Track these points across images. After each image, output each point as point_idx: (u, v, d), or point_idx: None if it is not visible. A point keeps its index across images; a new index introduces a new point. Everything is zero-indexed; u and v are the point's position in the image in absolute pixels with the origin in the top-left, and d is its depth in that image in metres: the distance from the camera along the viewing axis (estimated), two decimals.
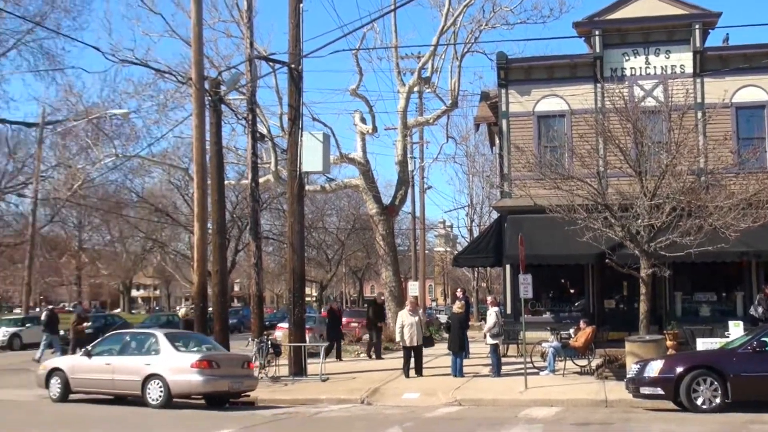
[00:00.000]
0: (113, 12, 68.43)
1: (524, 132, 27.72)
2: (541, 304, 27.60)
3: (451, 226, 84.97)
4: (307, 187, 28.68)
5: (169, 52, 60.65)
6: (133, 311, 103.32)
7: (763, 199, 21.14)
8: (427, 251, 60.67)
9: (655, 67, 27.28)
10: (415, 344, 21.76)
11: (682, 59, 27.11)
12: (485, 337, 22.72)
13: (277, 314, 64.80)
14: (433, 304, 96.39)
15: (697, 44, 26.82)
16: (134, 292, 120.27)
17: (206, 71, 24.42)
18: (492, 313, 22.14)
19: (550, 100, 27.77)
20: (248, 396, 19.18)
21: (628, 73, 27.36)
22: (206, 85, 23.25)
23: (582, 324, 22.61)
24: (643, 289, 20.94)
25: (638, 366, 16.92)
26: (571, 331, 23.60)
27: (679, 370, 15.94)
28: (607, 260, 21.99)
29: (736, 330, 20.89)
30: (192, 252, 61.09)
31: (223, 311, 23.32)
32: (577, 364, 21.83)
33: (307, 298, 66.98)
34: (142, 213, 59.44)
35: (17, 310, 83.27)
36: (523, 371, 19.85)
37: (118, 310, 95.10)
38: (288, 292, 23.81)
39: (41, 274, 57.85)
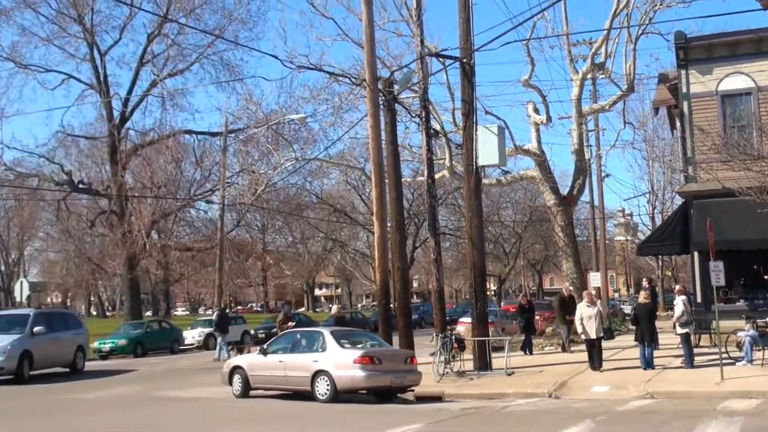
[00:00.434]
0: (287, 20, 70.73)
1: (707, 113, 26.57)
2: (734, 291, 26.32)
3: (631, 215, 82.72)
4: (483, 181, 28.55)
5: (341, 56, 62.17)
6: (316, 309, 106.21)
7: None
8: (607, 241, 59.17)
9: None
10: (594, 336, 21.25)
11: None
12: (674, 327, 21.95)
13: (457, 309, 64.90)
14: (616, 294, 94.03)
15: None
16: (317, 291, 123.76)
17: (379, 72, 24.75)
18: (679, 302, 21.36)
19: (735, 78, 26.47)
20: (413, 390, 19.39)
21: None
22: (380, 86, 23.57)
23: None
24: None
25: None
26: None
27: None
28: None
29: None
30: (371, 250, 62.46)
31: (406, 307, 23.59)
32: None
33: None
34: (322, 214, 61.10)
35: (209, 311, 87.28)
36: (717, 362, 19.03)
37: (303, 309, 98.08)
38: (469, 286, 23.82)
39: (230, 276, 60.31)
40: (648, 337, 21.47)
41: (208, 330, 41.50)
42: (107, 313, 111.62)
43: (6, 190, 55.98)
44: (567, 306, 26.71)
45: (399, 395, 19.36)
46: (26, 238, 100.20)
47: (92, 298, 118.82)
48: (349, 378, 18.01)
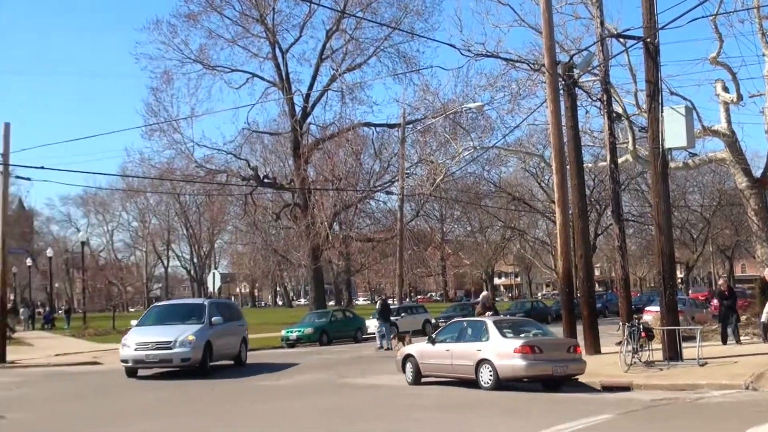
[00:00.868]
0: (463, 8, 70.70)
1: None
2: None
3: None
4: (669, 164, 27.52)
5: (518, 42, 61.54)
6: (496, 299, 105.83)
7: None
8: None
9: None
10: None
11: None
12: None
13: (642, 297, 63.11)
14: None
15: None
16: (496, 280, 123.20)
17: (557, 56, 24.29)
18: None
19: None
20: (576, 379, 19.12)
21: None
22: (559, 70, 23.14)
23: None
24: None
25: None
26: None
27: None
28: None
29: None
30: (551, 238, 61.57)
31: (590, 296, 23.14)
32: None
33: None
34: (500, 202, 60.69)
35: (390, 301, 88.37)
36: None
37: None
38: (656, 274, 23.04)
39: (409, 266, 60.91)
40: None
41: None
42: (293, 303, 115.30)
43: (197, 186, 58.77)
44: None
45: (582, 383, 19.05)
46: (216, 231, 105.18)
47: (278, 288, 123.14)
48: (510, 367, 18.28)
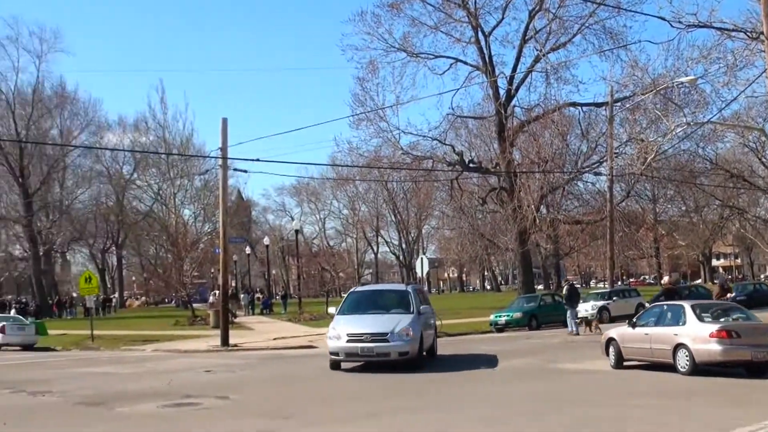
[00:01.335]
0: None
1: None
2: None
3: None
4: None
5: (733, 10, 58.00)
6: (714, 281, 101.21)
7: None
8: None
9: None
10: None
11: None
12: None
13: None
14: None
15: None
16: (714, 262, 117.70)
17: None
18: None
19: None
20: None
21: None
22: None
23: None
24: None
25: None
26: None
27: None
28: None
29: None
30: None
31: None
32: None
33: None
34: (717, 180, 57.73)
35: (600, 285, 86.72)
36: None
37: (699, 281, 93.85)
38: None
39: (620, 248, 59.22)
40: None
41: (600, 303, 41.11)
42: (500, 287, 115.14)
43: (404, 172, 59.67)
44: None
45: None
46: (423, 217, 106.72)
47: (486, 273, 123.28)
48: (706, 351, 17.94)
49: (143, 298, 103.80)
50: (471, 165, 53.43)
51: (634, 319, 21.20)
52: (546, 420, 13.28)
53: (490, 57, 51.93)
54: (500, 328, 38.50)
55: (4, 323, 37.24)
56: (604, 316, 39.59)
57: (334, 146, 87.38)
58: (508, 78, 51.81)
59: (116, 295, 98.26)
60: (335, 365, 21.31)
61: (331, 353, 21.23)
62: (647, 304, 42.49)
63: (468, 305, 57.52)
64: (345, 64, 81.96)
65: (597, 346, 22.39)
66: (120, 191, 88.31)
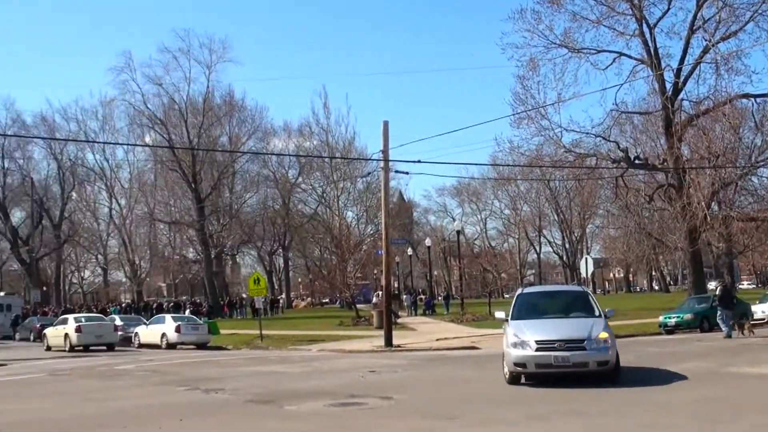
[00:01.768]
0: None
1: None
2: None
3: None
4: None
5: None
6: None
7: None
8: None
9: None
10: None
11: None
12: None
13: None
14: None
15: None
16: None
17: None
18: None
19: None
20: None
21: None
22: None
23: None
24: None
25: None
26: None
27: None
28: None
29: None
30: None
31: None
32: None
33: None
34: None
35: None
36: None
37: None
38: None
39: None
40: None
41: None
42: (669, 288, 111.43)
43: (566, 171, 58.57)
44: None
45: None
46: (587, 216, 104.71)
47: (653, 273, 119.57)
48: None
49: (309, 298, 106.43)
50: (637, 162, 51.93)
51: None
52: (721, 428, 12.63)
53: (656, 49, 50.24)
54: (670, 330, 37.19)
55: (180, 323, 39.05)
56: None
57: (494, 146, 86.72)
58: (675, 71, 50.04)
59: (283, 295, 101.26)
60: (516, 379, 18.22)
61: (516, 364, 17.83)
62: None
63: (635, 306, 55.77)
64: (504, 63, 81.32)
65: None
66: (286, 195, 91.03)
